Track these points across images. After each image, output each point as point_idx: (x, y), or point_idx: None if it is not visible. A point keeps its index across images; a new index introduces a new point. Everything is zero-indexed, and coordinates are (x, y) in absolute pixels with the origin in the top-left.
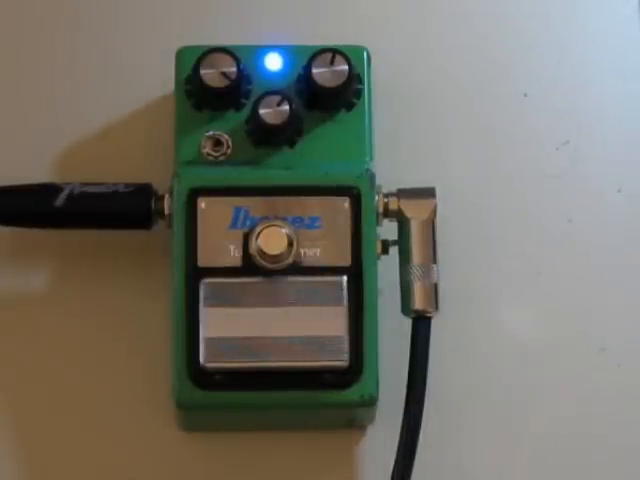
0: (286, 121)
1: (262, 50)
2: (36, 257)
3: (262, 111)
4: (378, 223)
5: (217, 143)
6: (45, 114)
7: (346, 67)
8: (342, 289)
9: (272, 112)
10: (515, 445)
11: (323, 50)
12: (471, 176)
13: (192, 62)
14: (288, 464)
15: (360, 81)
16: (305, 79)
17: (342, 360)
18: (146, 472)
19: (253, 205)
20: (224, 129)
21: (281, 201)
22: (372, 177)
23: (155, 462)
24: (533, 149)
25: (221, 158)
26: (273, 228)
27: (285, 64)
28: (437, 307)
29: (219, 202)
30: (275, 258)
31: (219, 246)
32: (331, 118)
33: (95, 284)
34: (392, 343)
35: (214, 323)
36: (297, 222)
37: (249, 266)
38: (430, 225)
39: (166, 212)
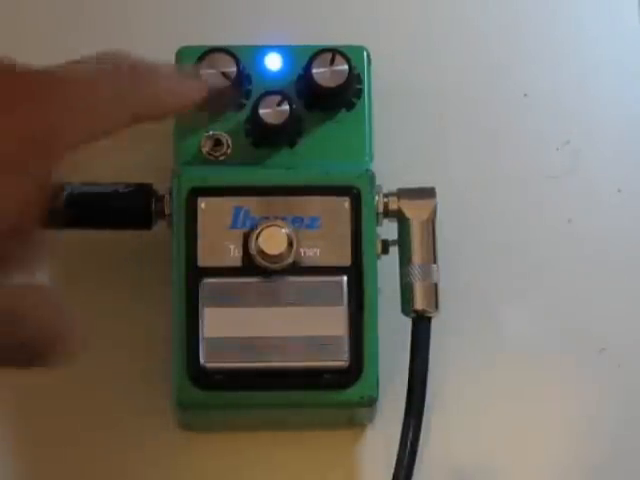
0: (286, 121)
1: (262, 50)
2: None
3: (262, 111)
4: (378, 223)
5: (217, 143)
6: None
7: (346, 67)
8: (342, 289)
9: (272, 112)
10: (515, 445)
11: (323, 50)
12: (471, 176)
13: (192, 62)
14: (288, 464)
15: (360, 81)
16: (305, 79)
17: (342, 360)
18: (146, 472)
19: (253, 205)
20: (224, 129)
21: (281, 201)
22: (372, 177)
23: (155, 462)
24: (533, 149)
25: (221, 158)
26: (273, 228)
27: (285, 64)
28: (437, 307)
29: (219, 202)
30: (275, 258)
31: (219, 246)
32: (331, 118)
33: (95, 284)
34: (392, 343)
35: (214, 323)
36: (297, 222)
37: (249, 266)
38: (430, 225)
39: (166, 212)
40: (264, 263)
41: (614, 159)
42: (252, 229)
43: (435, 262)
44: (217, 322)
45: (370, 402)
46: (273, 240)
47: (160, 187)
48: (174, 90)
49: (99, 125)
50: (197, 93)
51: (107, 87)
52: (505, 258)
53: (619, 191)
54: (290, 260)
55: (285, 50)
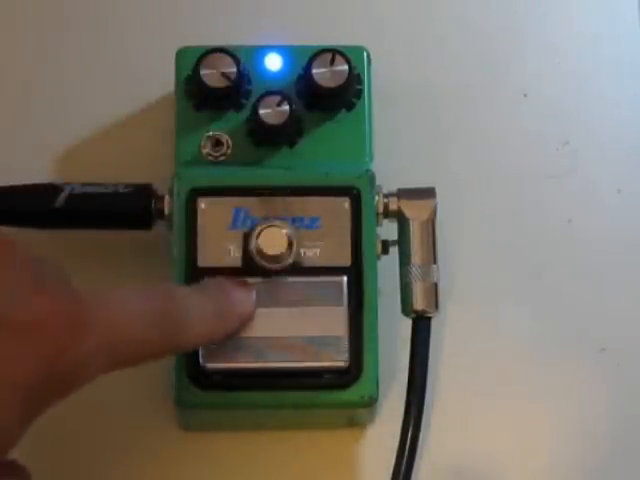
0: (286, 121)
1: (262, 50)
2: None
3: (262, 111)
4: (378, 223)
5: (217, 143)
6: (45, 114)
7: (346, 67)
8: (342, 289)
9: (272, 112)
10: (515, 444)
11: (323, 50)
12: (471, 176)
13: (192, 62)
14: (288, 464)
15: (360, 81)
16: (305, 79)
17: (342, 360)
18: (146, 472)
19: (253, 205)
20: (224, 129)
21: (281, 201)
22: (372, 177)
23: (155, 462)
24: (533, 150)
25: (221, 158)
26: (273, 228)
27: (285, 64)
28: (437, 307)
29: (219, 202)
30: (275, 258)
31: (219, 246)
32: (331, 118)
33: (95, 284)
34: (392, 343)
35: None
36: (297, 222)
37: (249, 266)
38: (430, 225)
39: (166, 212)
40: (264, 263)
41: (614, 159)
42: (252, 229)
43: (435, 262)
44: None
45: (370, 402)
46: (273, 240)
47: (160, 187)
48: (212, 334)
49: (129, 360)
50: (225, 333)
51: (152, 328)
52: (505, 258)
53: (619, 191)
54: (290, 260)
55: (285, 50)
